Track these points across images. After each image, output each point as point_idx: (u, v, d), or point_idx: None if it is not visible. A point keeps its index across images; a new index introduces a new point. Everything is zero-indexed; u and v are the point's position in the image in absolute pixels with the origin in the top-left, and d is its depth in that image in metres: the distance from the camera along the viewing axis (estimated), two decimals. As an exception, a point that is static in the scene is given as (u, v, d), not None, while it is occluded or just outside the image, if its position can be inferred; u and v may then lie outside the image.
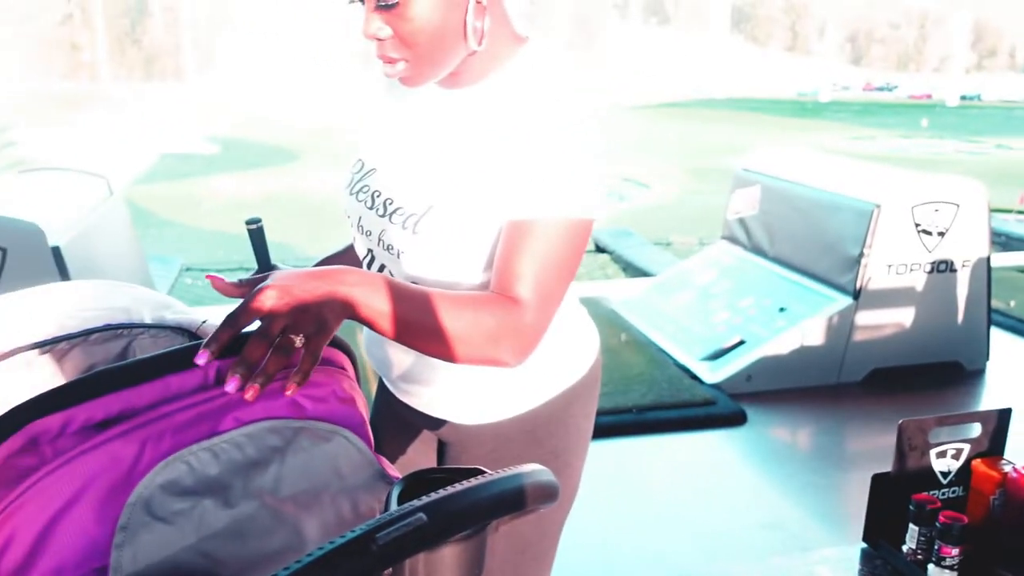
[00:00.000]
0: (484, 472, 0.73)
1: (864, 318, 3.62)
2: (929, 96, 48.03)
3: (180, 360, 0.78)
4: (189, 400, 0.77)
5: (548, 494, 0.74)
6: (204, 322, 1.16)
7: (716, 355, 3.70)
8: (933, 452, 1.46)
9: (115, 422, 0.73)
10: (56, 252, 2.76)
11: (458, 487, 0.67)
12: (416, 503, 0.63)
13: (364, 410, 0.92)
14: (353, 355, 0.95)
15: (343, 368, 0.92)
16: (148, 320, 1.09)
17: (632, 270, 6.06)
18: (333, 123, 28.40)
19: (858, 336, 3.63)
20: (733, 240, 4.50)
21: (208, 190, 21.81)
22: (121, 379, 0.74)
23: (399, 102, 1.27)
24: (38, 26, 58.91)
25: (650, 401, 3.37)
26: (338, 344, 0.93)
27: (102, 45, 52.37)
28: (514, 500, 0.71)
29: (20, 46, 50.47)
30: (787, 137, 26.67)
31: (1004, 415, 1.49)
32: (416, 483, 0.78)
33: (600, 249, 6.97)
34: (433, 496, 0.65)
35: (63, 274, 2.77)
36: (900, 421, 1.44)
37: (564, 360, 1.29)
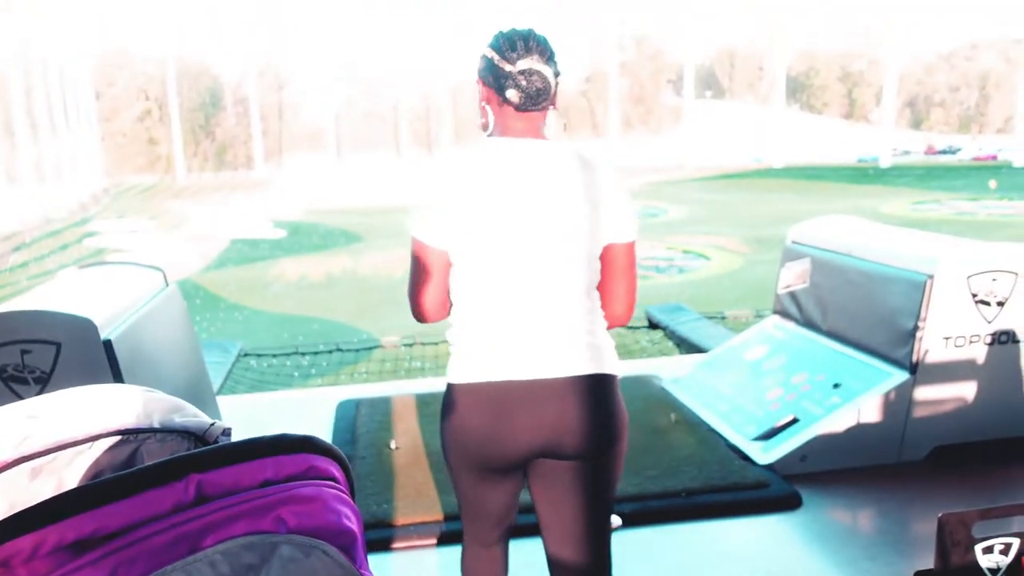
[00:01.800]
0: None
1: (923, 393, 3.48)
2: (994, 157, 47.02)
3: (156, 476, 0.78)
4: (167, 521, 0.77)
5: None
6: (212, 424, 1.17)
7: (769, 434, 3.59)
8: (979, 547, 1.38)
9: (89, 543, 0.73)
10: (108, 345, 2.84)
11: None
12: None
13: (354, 523, 0.90)
14: (346, 465, 0.94)
15: (333, 479, 0.91)
16: (156, 424, 1.11)
17: (686, 346, 5.97)
18: (397, 204, 29.06)
19: (918, 412, 3.49)
20: (785, 314, 4.41)
21: (274, 273, 22.42)
22: (93, 498, 0.74)
23: None
24: (119, 123, 62.20)
25: (700, 484, 3.27)
26: (330, 453, 0.92)
27: (177, 139, 54.95)
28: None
29: (102, 143, 53.31)
30: (849, 204, 26.32)
31: (1056, 505, 1.40)
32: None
33: (653, 325, 6.91)
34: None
35: (114, 367, 2.85)
36: (940, 514, 1.37)
37: (450, 363, 1.85)
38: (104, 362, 2.82)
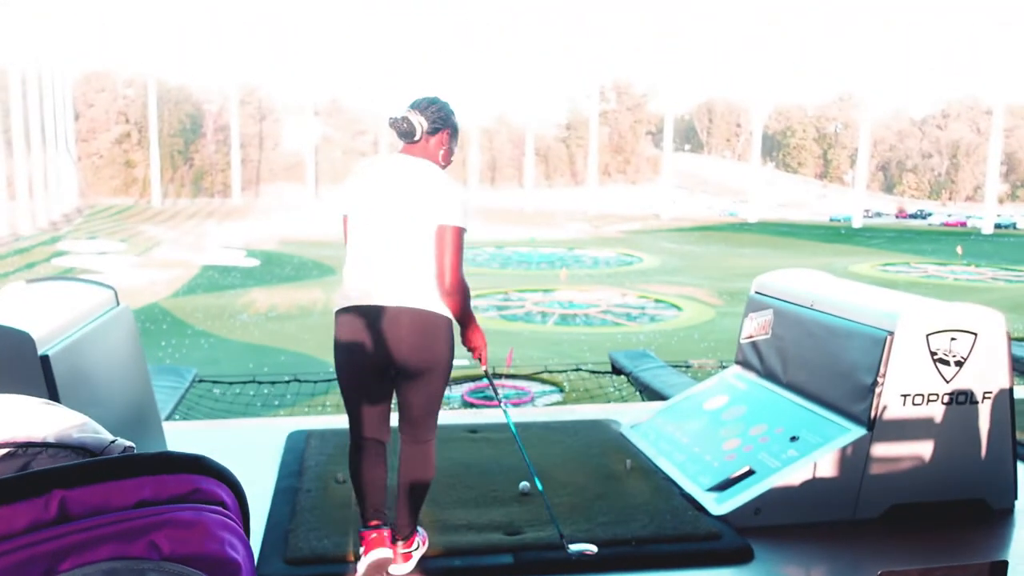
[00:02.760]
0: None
1: (880, 450, 3.44)
2: (963, 224, 47.97)
3: (12, 490, 0.71)
4: (20, 540, 0.69)
5: None
6: (113, 442, 1.10)
7: (723, 485, 3.53)
8: (918, 607, 1.32)
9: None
10: (45, 361, 2.74)
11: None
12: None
13: (240, 553, 0.83)
14: (239, 489, 0.87)
15: (221, 504, 0.83)
16: (51, 439, 1.03)
17: (649, 392, 5.92)
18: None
19: (874, 469, 3.45)
20: (746, 365, 4.39)
21: (244, 302, 22.19)
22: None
23: None
24: (96, 144, 61.85)
25: (651, 533, 3.20)
26: (220, 476, 0.85)
27: (155, 163, 54.67)
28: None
29: (78, 163, 52.91)
30: (820, 262, 26.62)
31: (998, 569, 1.36)
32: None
33: (617, 371, 6.86)
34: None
35: (50, 383, 2.74)
36: (879, 572, 1.32)
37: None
38: (40, 378, 2.72)
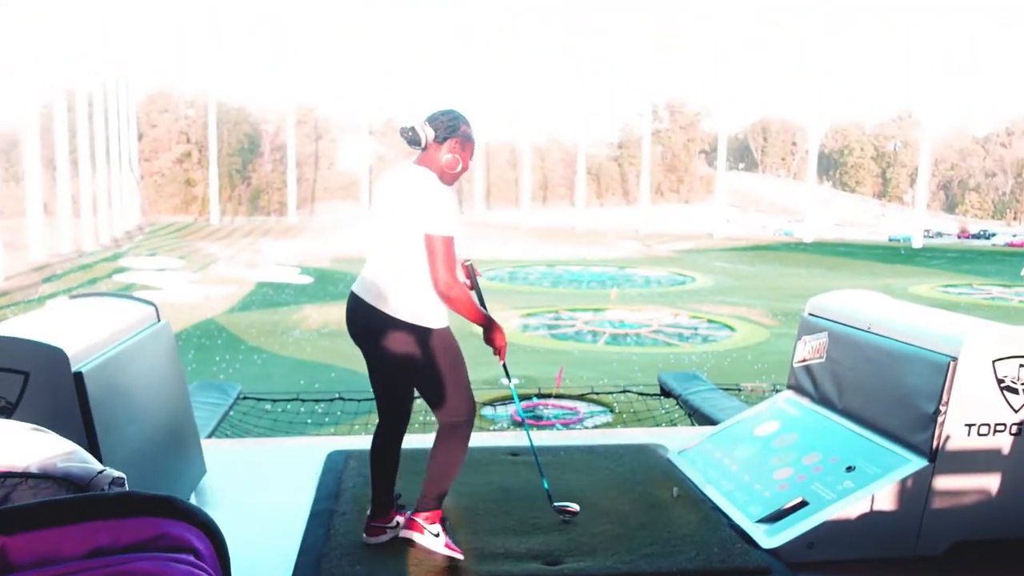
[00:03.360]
0: None
1: (943, 483, 3.24)
2: (1030, 244, 46.41)
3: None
4: None
5: None
6: (101, 472, 1.02)
7: (775, 517, 3.35)
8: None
9: None
10: (78, 377, 2.72)
11: None
12: None
13: None
14: (216, 534, 0.78)
15: (192, 551, 0.75)
16: (35, 468, 0.96)
17: (698, 416, 5.74)
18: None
19: (937, 503, 3.25)
20: (799, 390, 4.20)
21: (297, 319, 22.43)
22: None
23: None
24: (158, 164, 63.55)
25: (697, 566, 3.05)
26: (191, 519, 0.76)
27: (214, 182, 55.92)
28: None
29: (140, 182, 54.45)
30: (878, 283, 25.96)
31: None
32: None
33: (666, 393, 6.68)
34: None
35: (83, 400, 2.72)
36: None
37: None
38: (73, 395, 2.69)
